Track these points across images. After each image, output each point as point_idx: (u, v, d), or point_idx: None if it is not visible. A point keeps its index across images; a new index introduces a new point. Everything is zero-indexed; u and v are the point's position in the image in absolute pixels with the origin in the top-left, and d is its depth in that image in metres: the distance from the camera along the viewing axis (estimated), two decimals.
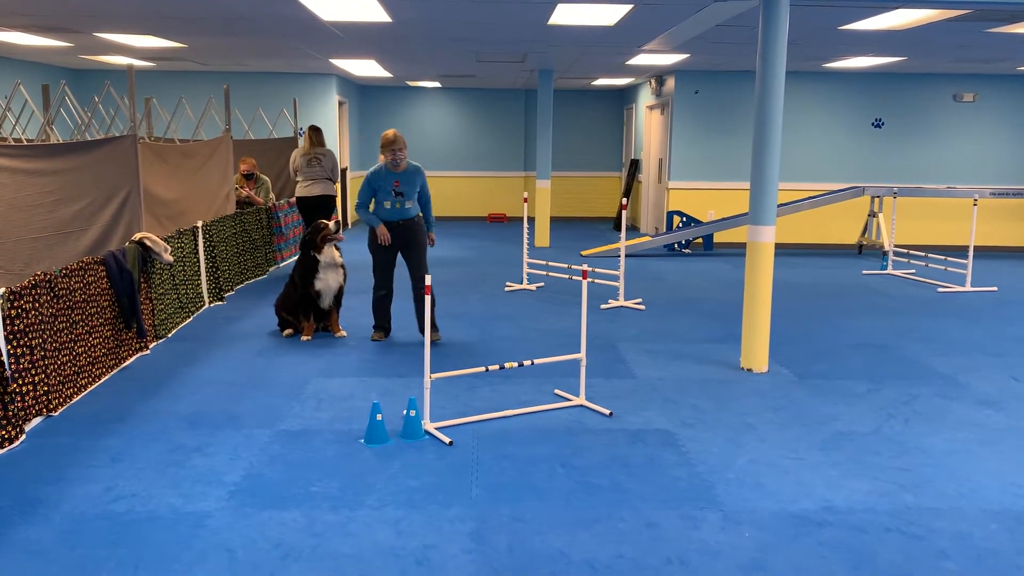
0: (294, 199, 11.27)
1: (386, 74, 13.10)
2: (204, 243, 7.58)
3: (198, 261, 7.46)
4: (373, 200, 6.32)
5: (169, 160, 7.46)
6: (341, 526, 3.43)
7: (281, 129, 12.44)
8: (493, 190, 16.32)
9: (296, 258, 6.72)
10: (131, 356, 5.85)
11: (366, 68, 12.17)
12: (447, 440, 4.35)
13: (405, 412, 4.45)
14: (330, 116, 13.36)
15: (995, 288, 9.13)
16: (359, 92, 15.66)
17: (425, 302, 4.65)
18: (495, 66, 11.79)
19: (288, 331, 6.65)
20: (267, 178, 10.35)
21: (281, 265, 10.10)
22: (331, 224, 6.50)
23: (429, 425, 4.51)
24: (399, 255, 6.42)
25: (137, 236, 6.10)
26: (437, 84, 15.27)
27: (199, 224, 7.50)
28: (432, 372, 4.61)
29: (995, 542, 3.37)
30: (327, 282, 6.49)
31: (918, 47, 9.17)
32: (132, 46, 9.81)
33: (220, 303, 7.82)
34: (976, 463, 4.20)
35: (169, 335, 6.56)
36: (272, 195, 10.27)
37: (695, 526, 3.48)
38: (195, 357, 5.98)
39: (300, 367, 5.76)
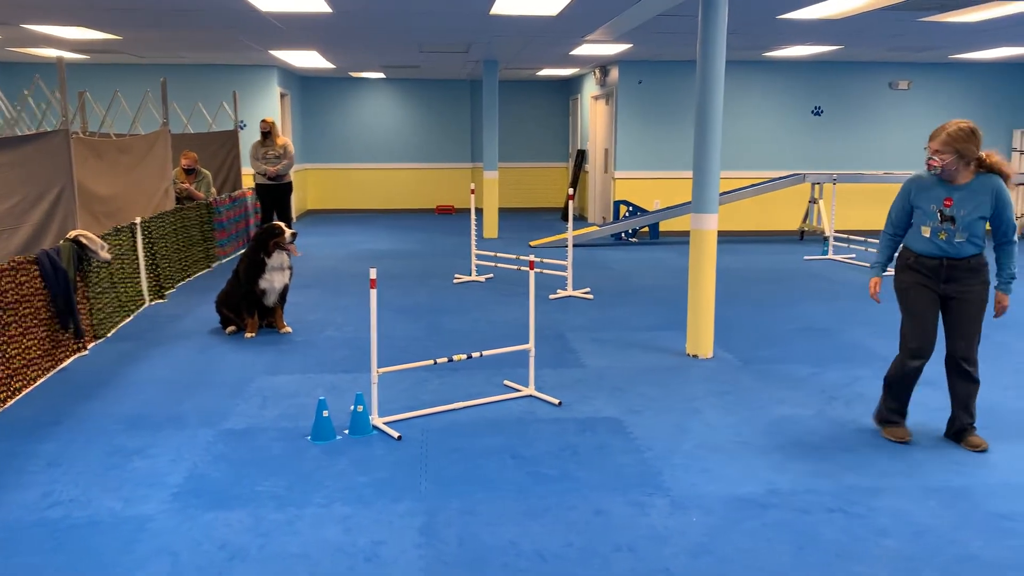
0: (247, 191, 11.14)
1: (328, 65, 12.93)
2: (143, 240, 7.39)
3: (137, 258, 7.28)
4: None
5: (105, 156, 7.26)
6: (288, 525, 3.38)
7: (221, 122, 12.20)
8: (440, 182, 16.24)
9: (241, 252, 6.63)
10: (68, 357, 5.69)
11: (308, 59, 11.99)
12: (395, 435, 4.32)
13: (352, 408, 4.40)
14: (272, 108, 13.15)
15: None
16: (301, 84, 15.43)
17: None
18: (439, 57, 11.72)
19: (231, 328, 6.53)
20: (208, 172, 10.16)
21: (224, 261, 9.92)
22: (288, 234, 6.32)
23: (377, 420, 4.47)
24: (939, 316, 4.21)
25: (72, 234, 5.92)
26: (381, 75, 15.13)
27: (137, 220, 7.32)
28: (379, 367, 4.57)
29: (933, 518, 3.46)
30: (272, 282, 6.38)
31: (854, 36, 9.35)
32: (63, 38, 9.52)
33: (161, 301, 7.65)
34: (914, 441, 4.31)
35: (108, 335, 6.40)
36: (213, 189, 10.09)
37: (643, 512, 3.51)
38: (135, 357, 5.84)
39: (244, 365, 5.67)
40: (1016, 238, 4.03)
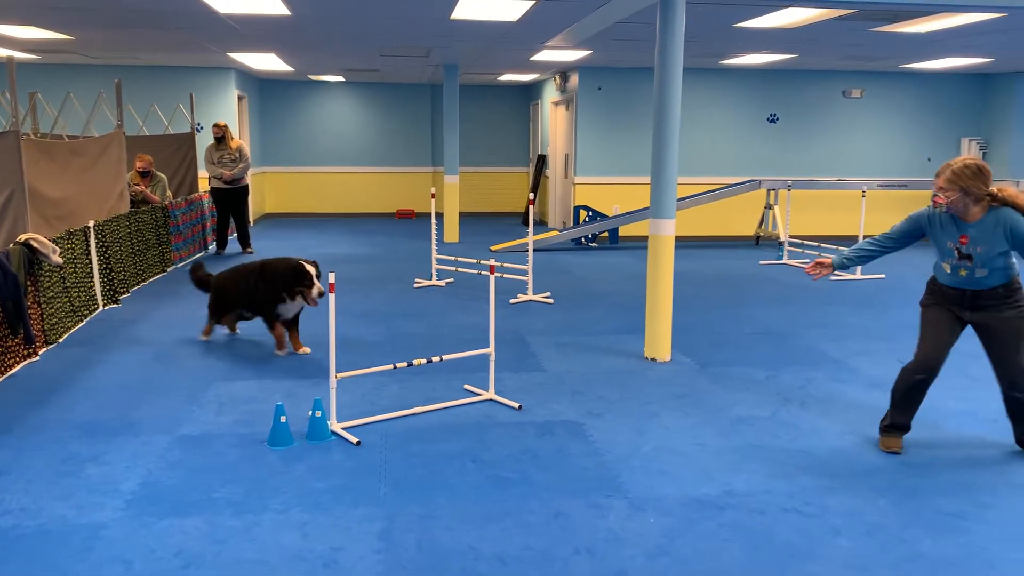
0: (203, 194, 11.02)
1: (287, 68, 12.82)
2: (97, 243, 7.26)
3: (90, 262, 7.15)
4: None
5: (57, 158, 7.13)
6: (245, 531, 3.35)
7: (178, 125, 12.04)
8: (401, 186, 16.19)
9: (253, 259, 5.93)
10: (18, 363, 5.57)
11: (266, 62, 11.88)
12: (354, 440, 4.30)
13: (311, 413, 4.37)
14: (229, 111, 13.00)
15: (883, 276, 9.59)
16: (259, 86, 15.28)
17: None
18: (399, 61, 11.69)
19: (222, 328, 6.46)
20: (163, 175, 10.02)
21: (180, 265, 9.78)
22: (316, 290, 5.61)
23: (336, 425, 4.45)
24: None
25: (22, 237, 5.80)
26: (341, 78, 15.04)
27: (91, 224, 7.19)
28: (338, 372, 4.55)
29: (883, 516, 3.54)
30: (285, 313, 5.89)
31: (808, 45, 9.53)
32: (13, 37, 9.31)
33: (115, 306, 7.52)
34: (864, 441, 4.40)
35: (60, 340, 6.27)
36: (169, 193, 9.95)
37: (602, 515, 3.54)
38: (89, 362, 5.74)
39: (201, 370, 5.60)
40: None
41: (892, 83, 12.93)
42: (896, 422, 4.29)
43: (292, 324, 5.98)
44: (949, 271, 4.03)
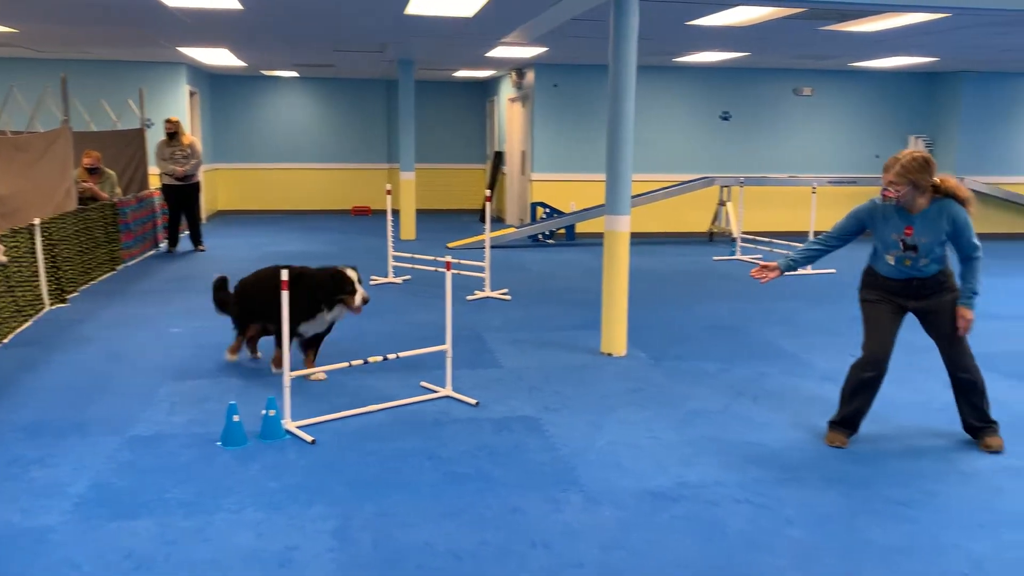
0: (154, 191, 10.83)
1: (240, 63, 12.65)
2: (43, 241, 7.09)
3: (36, 261, 6.98)
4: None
5: (0, 154, 6.94)
6: (197, 532, 3.30)
7: (128, 121, 11.81)
8: (356, 183, 16.07)
9: (279, 268, 4.89)
10: None
11: (218, 57, 11.71)
12: (309, 439, 4.26)
13: (264, 412, 4.32)
14: (180, 107, 12.78)
15: (834, 271, 9.76)
16: (211, 81, 15.04)
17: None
18: (354, 56, 11.60)
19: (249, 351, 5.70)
20: (112, 172, 9.82)
21: (131, 264, 9.60)
22: (360, 296, 5.12)
23: (290, 424, 4.41)
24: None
25: None
26: (295, 74, 14.88)
27: (36, 221, 7.01)
28: (292, 370, 4.50)
29: (835, 506, 3.61)
30: (316, 329, 5.33)
31: (759, 43, 9.67)
32: None
33: (62, 305, 7.35)
34: (816, 433, 4.48)
35: (5, 341, 6.11)
36: (118, 189, 9.75)
37: (558, 509, 3.55)
38: (35, 363, 5.60)
39: (152, 370, 5.50)
40: (979, 255, 4.05)
41: (841, 81, 13.17)
42: (845, 418, 4.34)
43: (313, 344, 5.40)
44: (893, 262, 4.12)
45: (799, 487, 3.80)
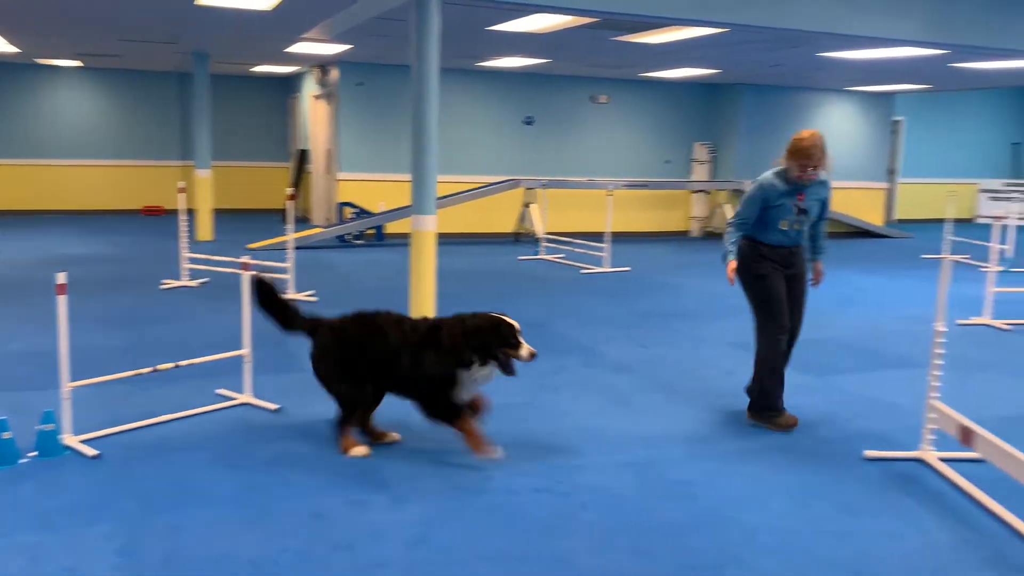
0: None
1: (12, 49, 11.54)
2: None
3: None
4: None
5: None
6: None
7: None
8: (147, 181, 15.11)
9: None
10: None
11: None
12: (92, 453, 3.97)
13: (39, 427, 3.98)
14: None
15: (628, 268, 10.31)
16: None
17: None
18: (143, 47, 10.91)
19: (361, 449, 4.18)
20: None
21: None
22: (526, 351, 4.06)
23: (71, 438, 4.08)
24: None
25: None
26: (78, 63, 13.79)
27: None
28: (72, 380, 4.18)
29: (627, 490, 3.82)
30: (467, 390, 4.17)
31: (558, 50, 10.04)
32: None
33: None
34: (611, 421, 4.73)
35: None
36: None
37: (362, 510, 3.52)
38: None
39: None
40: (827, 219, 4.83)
41: (635, 90, 13.91)
42: (780, 396, 4.67)
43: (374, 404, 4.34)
44: (787, 227, 4.60)
45: (595, 474, 3.98)
